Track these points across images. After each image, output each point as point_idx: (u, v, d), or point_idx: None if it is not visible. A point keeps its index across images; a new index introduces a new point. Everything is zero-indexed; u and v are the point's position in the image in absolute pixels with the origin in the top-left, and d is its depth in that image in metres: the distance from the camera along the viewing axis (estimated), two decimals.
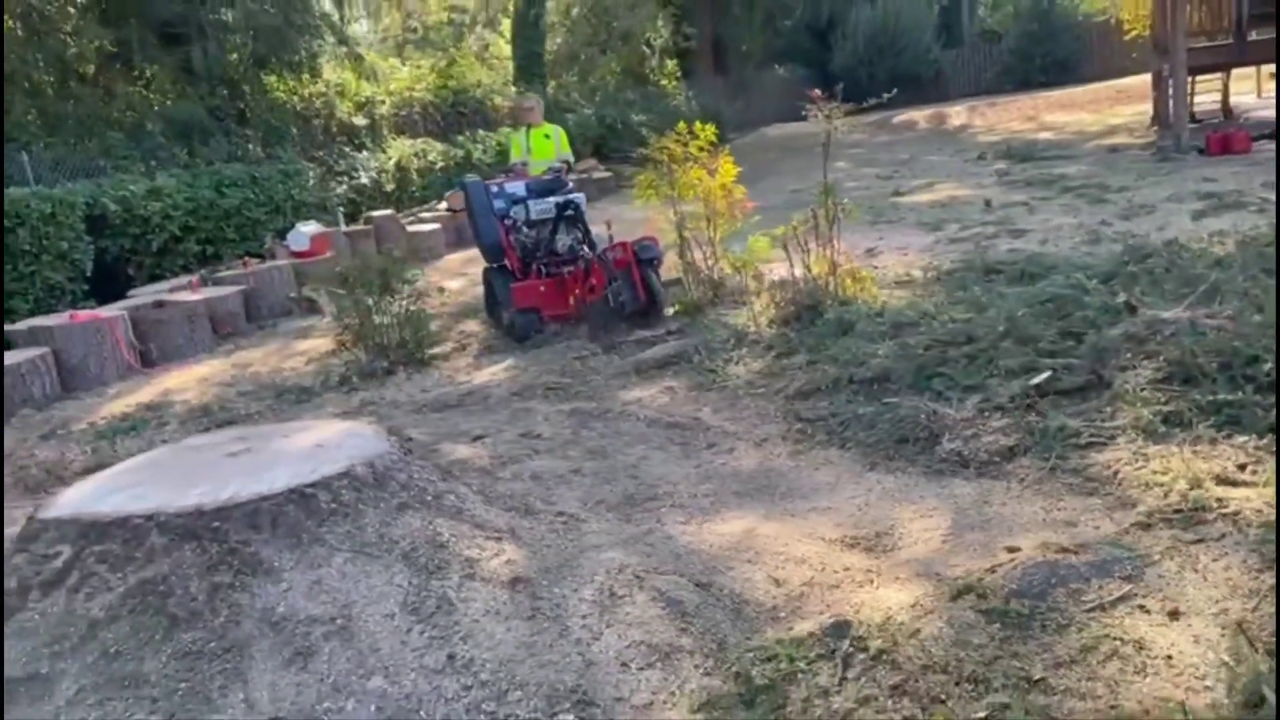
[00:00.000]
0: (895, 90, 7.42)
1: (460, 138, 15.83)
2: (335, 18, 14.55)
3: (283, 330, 9.17)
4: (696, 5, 26.04)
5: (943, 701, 2.44)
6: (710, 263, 7.30)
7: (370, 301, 6.73)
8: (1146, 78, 23.10)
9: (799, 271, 6.25)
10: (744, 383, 5.32)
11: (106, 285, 9.55)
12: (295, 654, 2.97)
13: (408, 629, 3.05)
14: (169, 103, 12.56)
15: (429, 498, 3.71)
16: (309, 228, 10.66)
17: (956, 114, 22.72)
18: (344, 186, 12.76)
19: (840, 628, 2.77)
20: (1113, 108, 20.25)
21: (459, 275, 10.28)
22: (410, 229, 12.25)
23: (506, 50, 23.59)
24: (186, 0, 12.28)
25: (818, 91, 6.35)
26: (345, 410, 5.76)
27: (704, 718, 2.58)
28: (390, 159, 13.99)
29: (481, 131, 16.61)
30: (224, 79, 12.88)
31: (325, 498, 3.47)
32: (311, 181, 12.19)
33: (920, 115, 23.21)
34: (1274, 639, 2.36)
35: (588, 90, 22.98)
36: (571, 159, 8.44)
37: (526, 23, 22.57)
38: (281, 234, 11.11)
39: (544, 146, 8.30)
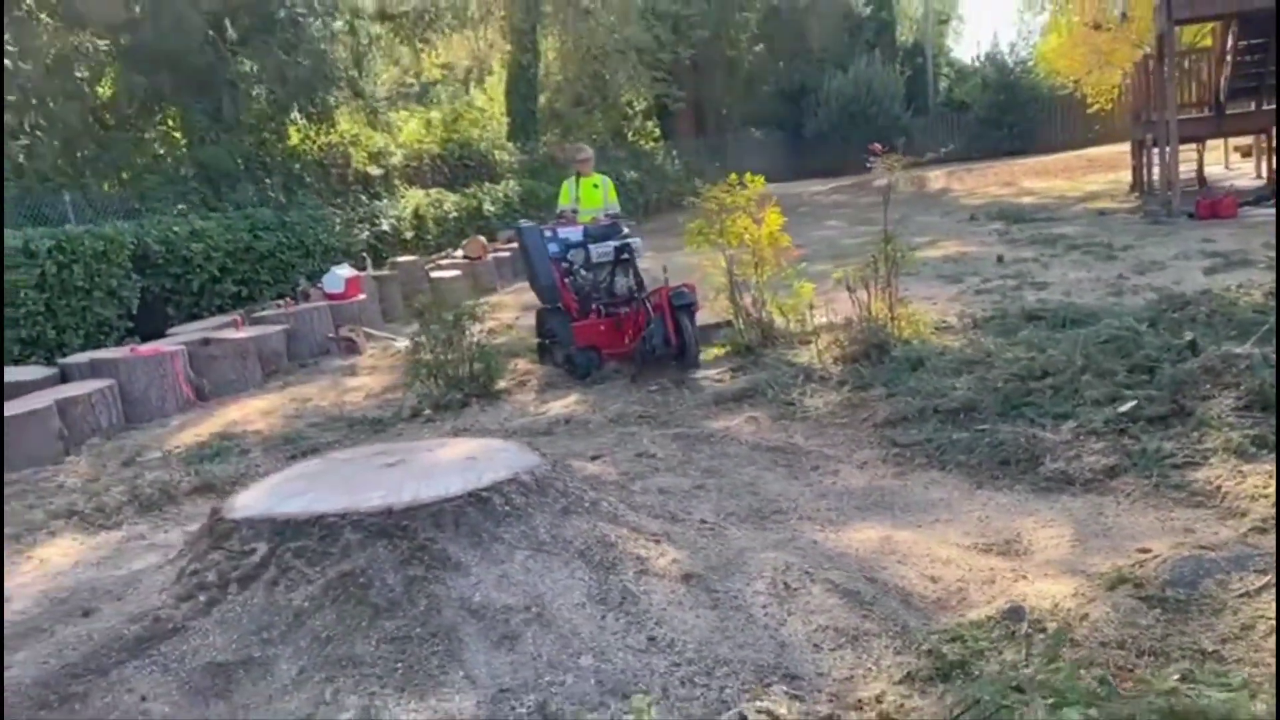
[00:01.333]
0: (951, 146, 7.88)
1: (470, 189, 16.22)
2: (354, 72, 14.92)
3: (324, 368, 9.35)
4: (680, 69, 26.84)
5: (1131, 670, 2.74)
6: (758, 306, 7.66)
7: (444, 335, 6.98)
8: (1114, 148, 24.25)
9: (859, 312, 6.63)
10: (826, 413, 5.65)
11: (147, 322, 9.69)
12: (501, 637, 3.20)
13: (601, 616, 3.30)
14: (186, 149, 12.79)
15: (586, 504, 3.98)
16: (344, 271, 10.89)
17: (936, 178, 23.54)
18: (366, 233, 13.01)
19: (1016, 612, 3.06)
20: (1085, 175, 21.18)
21: (489, 318, 10.57)
22: (433, 274, 12.52)
23: (490, 106, 24.08)
24: (216, 50, 12.59)
25: (878, 145, 6.80)
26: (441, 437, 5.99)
27: (905, 690, 2.84)
28: (408, 207, 14.30)
29: (488, 184, 17.02)
30: (250, 126, 13.17)
31: (499, 501, 3.74)
32: (338, 227, 12.44)
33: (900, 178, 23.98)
34: None
35: None
36: (618, 207, 8.81)
37: (522, 80, 23.15)
38: (312, 276, 11.33)
39: (592, 195, 8.67)
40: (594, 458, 4.99)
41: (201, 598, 3.50)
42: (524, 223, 8.71)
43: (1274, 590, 3.00)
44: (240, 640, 3.31)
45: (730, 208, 7.68)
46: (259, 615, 3.38)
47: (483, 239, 14.77)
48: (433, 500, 3.63)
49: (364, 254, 12.71)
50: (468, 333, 7.18)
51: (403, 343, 9.92)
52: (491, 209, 16.26)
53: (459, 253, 14.24)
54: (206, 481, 5.59)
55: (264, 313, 10.17)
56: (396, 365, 9.00)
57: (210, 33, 12.20)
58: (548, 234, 8.21)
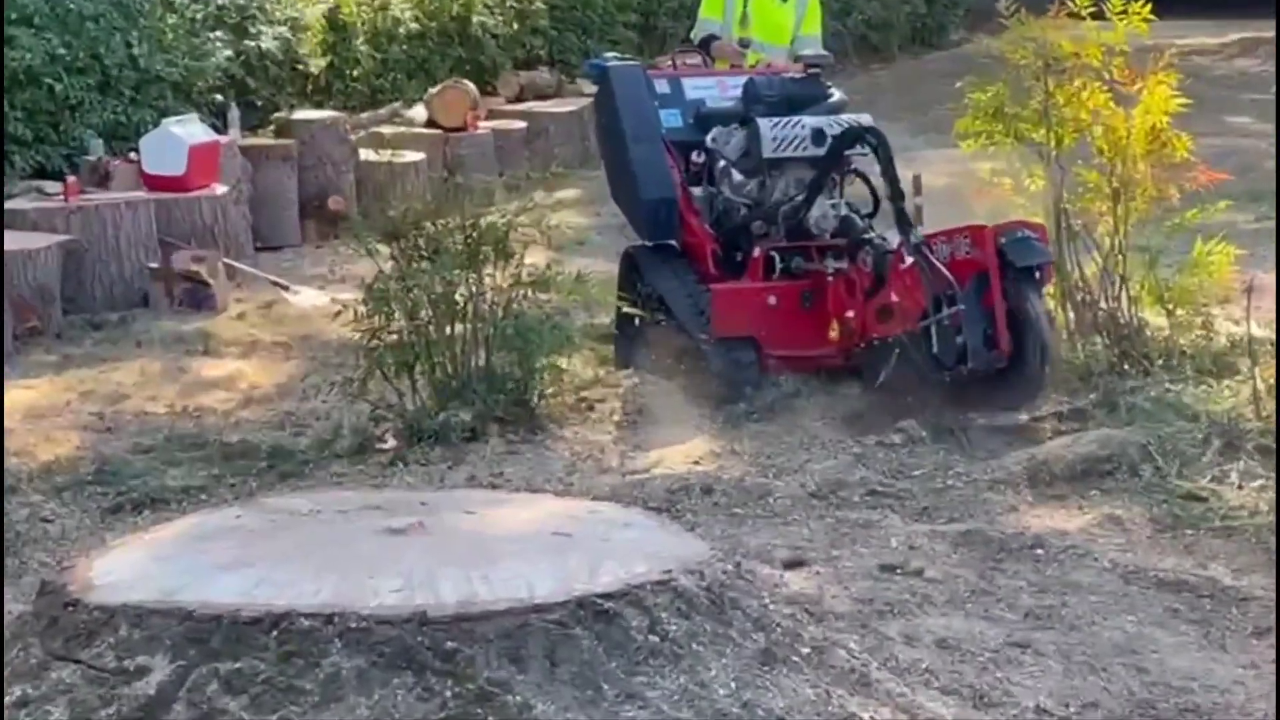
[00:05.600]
0: None
1: None
2: None
3: (142, 333, 9.93)
4: None
5: None
6: (1117, 289, 8.01)
7: (439, 287, 7.47)
8: None
9: None
10: (1265, 521, 6.01)
11: None
12: None
13: None
14: None
15: (804, 649, 4.39)
16: (186, 130, 11.44)
17: None
18: (226, 54, 13.57)
19: None
20: None
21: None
22: (369, 156, 13.03)
23: None
24: None
25: None
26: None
27: None
28: (312, 5, 14.90)
29: None
30: None
31: (636, 622, 4.14)
32: (170, 37, 13.03)
33: None
34: None
35: None
36: (820, 45, 9.22)
37: None
38: (116, 136, 11.94)
39: (772, 14, 9.13)
40: (791, 564, 5.43)
41: None
42: (610, 58, 9.15)
43: None
44: None
45: (1069, 64, 8.08)
46: None
47: (470, 88, 15.29)
48: (503, 608, 4.04)
49: (221, 99, 13.29)
50: (486, 282, 7.65)
51: (313, 295, 10.46)
52: (490, 22, 16.78)
53: (416, 112, 14.93)
54: None
55: (13, 204, 10.72)
56: (296, 335, 9.68)
57: None
58: (661, 87, 8.65)
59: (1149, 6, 8.05)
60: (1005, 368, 7.38)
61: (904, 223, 7.85)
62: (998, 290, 7.32)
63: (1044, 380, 7.45)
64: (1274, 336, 7.36)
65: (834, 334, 7.91)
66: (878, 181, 8.15)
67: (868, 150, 8.03)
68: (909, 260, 7.53)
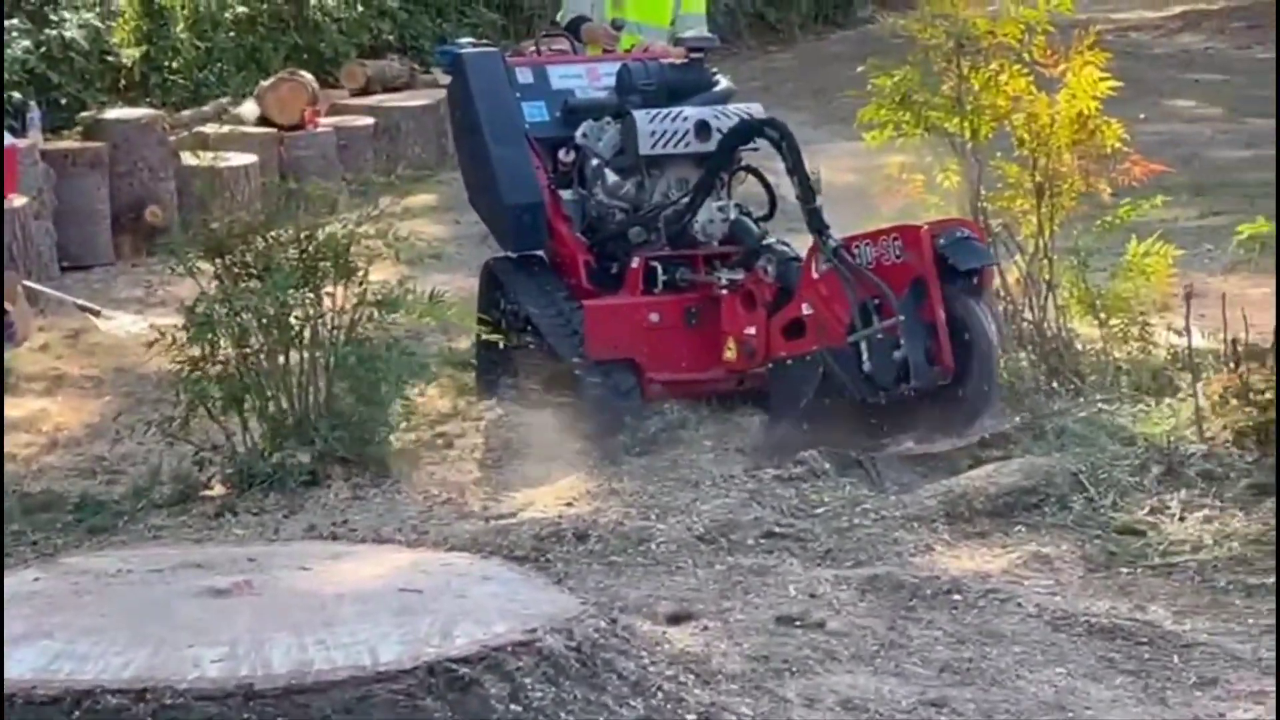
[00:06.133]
0: None
1: None
2: None
3: None
4: None
5: None
6: (1042, 298, 7.98)
7: (270, 308, 7.30)
8: None
9: None
10: (1215, 559, 6.03)
11: None
12: None
13: None
14: None
15: (689, 716, 4.30)
16: None
17: None
18: (24, 44, 13.37)
19: None
20: None
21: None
22: (191, 160, 12.81)
23: None
24: None
25: None
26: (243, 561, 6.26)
27: None
28: None
29: None
30: None
31: (494, 689, 4.01)
32: None
33: None
34: None
35: None
36: (704, 24, 9.13)
37: None
38: None
39: None
40: (675, 619, 5.34)
41: None
42: (464, 44, 9.07)
43: None
44: None
45: (984, 44, 8.04)
46: None
47: (308, 80, 15.15)
48: (343, 677, 3.88)
49: (19, 96, 13.07)
50: (325, 303, 7.51)
51: (127, 321, 10.27)
52: (330, 4, 16.70)
53: (246, 109, 14.82)
54: None
55: None
56: (109, 368, 9.56)
57: None
58: (523, 76, 8.55)
59: None
60: (945, 382, 7.30)
61: (818, 225, 7.75)
62: (939, 299, 7.26)
63: (992, 398, 7.36)
64: (1219, 348, 7.32)
65: (730, 354, 7.84)
66: (773, 179, 8.07)
67: (760, 146, 7.92)
68: (824, 267, 7.47)
